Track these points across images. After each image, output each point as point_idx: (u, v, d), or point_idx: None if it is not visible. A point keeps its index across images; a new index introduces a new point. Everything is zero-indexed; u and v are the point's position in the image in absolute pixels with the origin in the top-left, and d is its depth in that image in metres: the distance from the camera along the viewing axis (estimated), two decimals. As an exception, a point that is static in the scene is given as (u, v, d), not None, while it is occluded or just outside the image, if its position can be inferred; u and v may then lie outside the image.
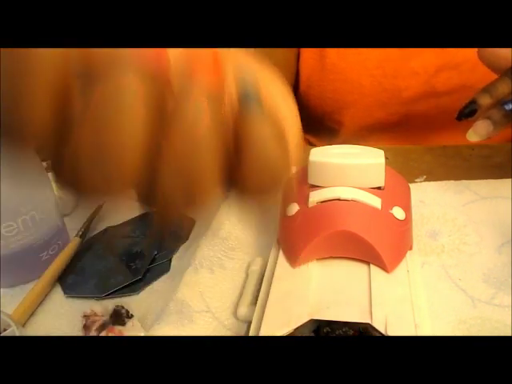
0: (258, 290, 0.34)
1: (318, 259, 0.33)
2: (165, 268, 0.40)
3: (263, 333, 0.29)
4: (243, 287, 0.36)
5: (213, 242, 0.40)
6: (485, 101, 0.39)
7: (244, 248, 0.40)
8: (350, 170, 0.34)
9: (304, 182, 0.36)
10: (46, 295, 0.38)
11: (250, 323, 0.31)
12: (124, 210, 0.48)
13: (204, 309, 0.35)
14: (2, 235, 0.37)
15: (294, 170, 0.25)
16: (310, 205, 0.34)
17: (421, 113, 0.57)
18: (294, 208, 0.34)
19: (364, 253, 0.32)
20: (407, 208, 0.35)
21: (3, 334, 0.32)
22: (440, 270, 0.36)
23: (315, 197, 0.34)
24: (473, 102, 0.39)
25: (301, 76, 0.59)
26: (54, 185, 0.42)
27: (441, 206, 0.43)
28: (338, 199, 0.33)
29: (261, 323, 0.29)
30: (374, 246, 0.31)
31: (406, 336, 0.27)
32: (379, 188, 0.34)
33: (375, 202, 0.33)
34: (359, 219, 0.32)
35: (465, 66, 0.54)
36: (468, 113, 0.39)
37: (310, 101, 0.59)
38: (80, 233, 0.43)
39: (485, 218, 0.40)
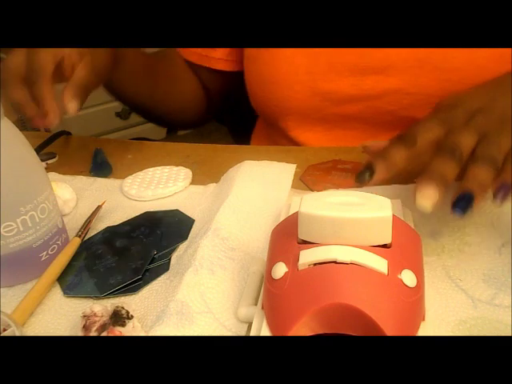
0: (259, 291, 0.34)
1: None
2: (164, 267, 0.40)
3: (264, 333, 0.29)
4: (244, 288, 0.36)
5: (213, 243, 0.40)
6: (381, 170, 0.36)
7: (244, 248, 0.40)
8: (350, 224, 0.28)
9: (293, 237, 0.31)
10: (46, 295, 0.38)
11: (250, 324, 0.31)
12: (124, 210, 0.48)
13: (204, 309, 0.35)
14: (2, 235, 0.36)
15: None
16: (301, 267, 0.29)
17: (356, 114, 0.58)
18: (282, 269, 0.29)
19: (367, 330, 0.27)
20: (419, 270, 0.29)
21: (3, 334, 0.32)
22: (440, 270, 0.36)
23: (307, 258, 0.29)
24: (368, 167, 0.36)
25: (251, 91, 0.65)
26: (53, 185, 0.42)
27: (441, 206, 0.42)
28: (335, 262, 0.28)
29: (262, 324, 0.29)
30: (380, 324, 0.26)
31: (406, 336, 0.27)
32: (385, 246, 0.29)
33: (380, 265, 0.28)
34: (360, 289, 0.27)
35: (391, 71, 0.55)
36: (363, 180, 0.36)
37: (264, 112, 0.65)
38: (80, 233, 0.43)
39: (485, 218, 0.40)
